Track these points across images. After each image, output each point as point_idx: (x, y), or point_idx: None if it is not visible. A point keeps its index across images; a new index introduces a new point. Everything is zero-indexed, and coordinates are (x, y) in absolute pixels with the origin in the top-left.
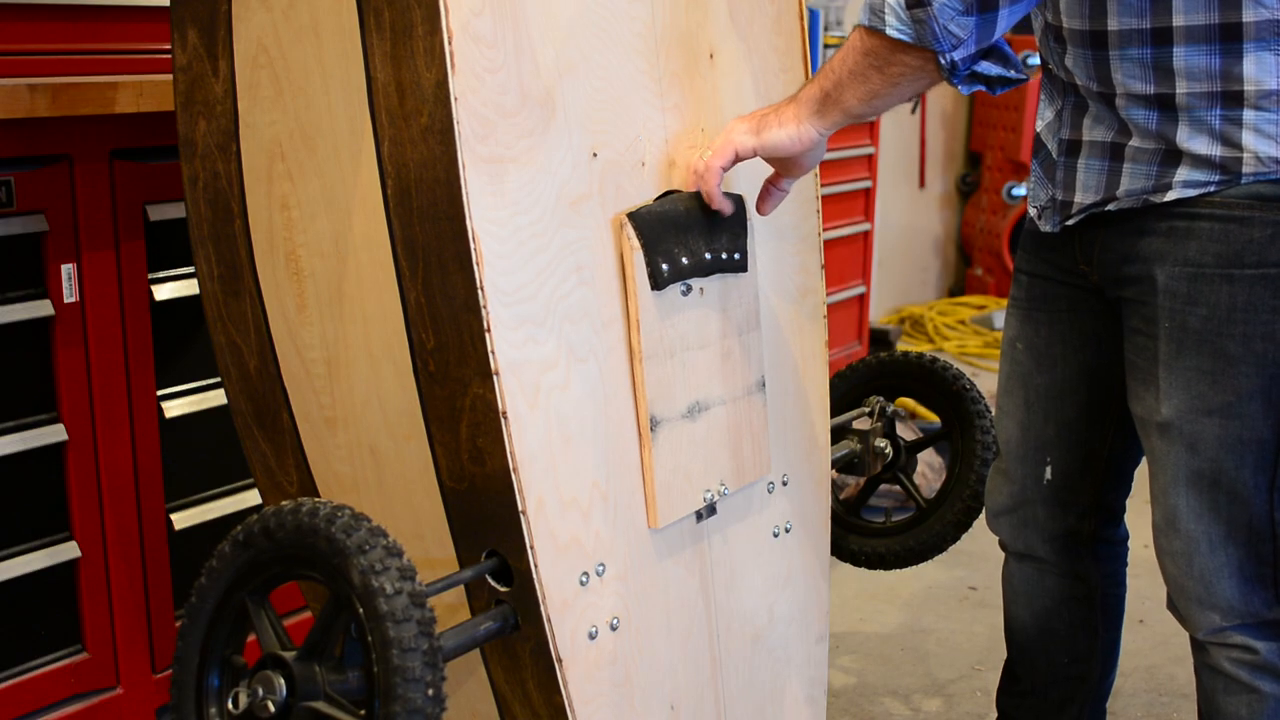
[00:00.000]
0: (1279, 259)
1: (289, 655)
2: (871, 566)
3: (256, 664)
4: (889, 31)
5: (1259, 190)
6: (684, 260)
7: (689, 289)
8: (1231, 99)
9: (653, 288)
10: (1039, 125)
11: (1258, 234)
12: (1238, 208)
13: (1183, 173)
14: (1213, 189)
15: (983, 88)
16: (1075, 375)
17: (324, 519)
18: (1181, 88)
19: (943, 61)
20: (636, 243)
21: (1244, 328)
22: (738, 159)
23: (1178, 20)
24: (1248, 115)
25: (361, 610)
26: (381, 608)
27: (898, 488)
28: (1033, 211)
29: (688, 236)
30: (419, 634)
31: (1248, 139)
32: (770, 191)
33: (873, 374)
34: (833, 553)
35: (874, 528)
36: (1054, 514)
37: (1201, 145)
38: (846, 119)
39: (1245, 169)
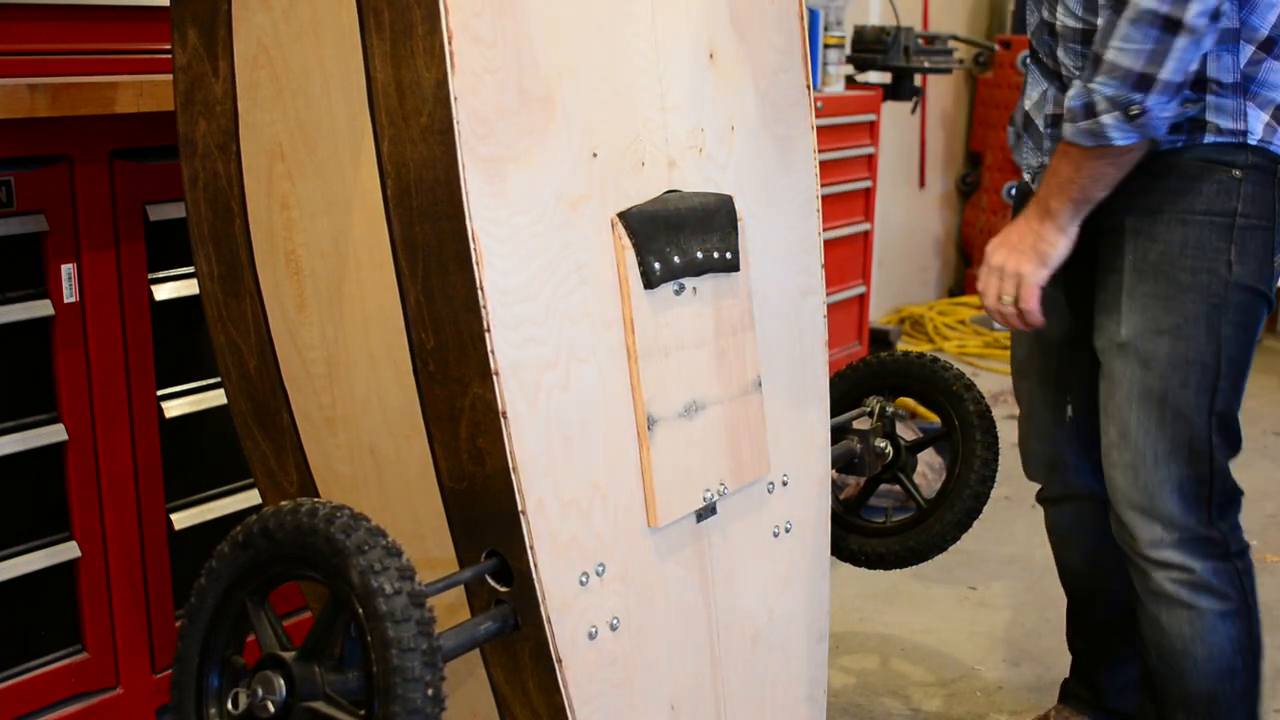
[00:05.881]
0: (1222, 209)
1: (288, 655)
2: (872, 566)
3: (256, 664)
4: (1118, 142)
5: (1210, 155)
6: (676, 259)
7: (682, 288)
8: (1199, 84)
9: (645, 286)
10: (1026, 104)
11: (1206, 189)
12: (1192, 167)
13: None
14: (1179, 145)
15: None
16: (1083, 321)
17: (323, 519)
18: None
19: (1159, 135)
20: (628, 241)
21: (1192, 261)
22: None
23: None
24: (1210, 99)
25: (361, 610)
26: (381, 608)
27: (897, 488)
28: (1026, 175)
29: (679, 235)
30: (418, 634)
31: (1210, 115)
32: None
33: (872, 374)
34: (833, 553)
35: (874, 527)
36: (1078, 451)
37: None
38: (1092, 207)
39: (1207, 137)
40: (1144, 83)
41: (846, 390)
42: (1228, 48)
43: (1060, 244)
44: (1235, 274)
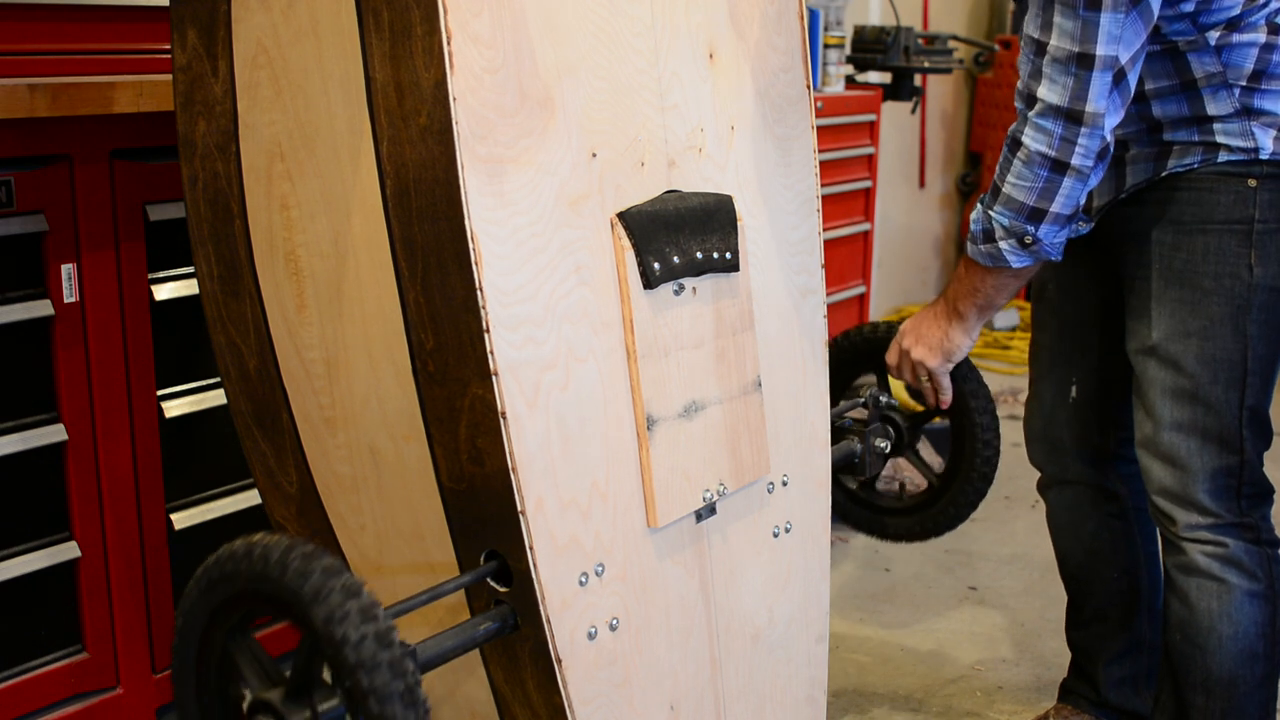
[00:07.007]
0: (1240, 217)
1: (275, 696)
2: (898, 539)
3: (248, 709)
4: (1015, 265)
5: (1225, 169)
6: (675, 260)
7: (681, 288)
8: (1203, 120)
9: (645, 287)
10: None
11: (1224, 199)
12: (1209, 180)
13: (1173, 161)
14: (1196, 165)
15: None
16: (1097, 306)
17: (276, 565)
18: (1167, 127)
19: (1053, 258)
20: (627, 242)
21: (1215, 267)
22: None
23: (1148, 85)
24: (1217, 126)
25: (331, 658)
26: (350, 659)
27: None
28: None
29: (679, 236)
30: (392, 678)
31: (1220, 138)
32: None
33: (858, 350)
34: (859, 528)
35: (889, 506)
36: (1079, 434)
37: (1184, 137)
38: (997, 310)
39: (1221, 155)
40: (1036, 215)
41: (842, 362)
42: (1218, 89)
43: (965, 343)
44: (1257, 276)
